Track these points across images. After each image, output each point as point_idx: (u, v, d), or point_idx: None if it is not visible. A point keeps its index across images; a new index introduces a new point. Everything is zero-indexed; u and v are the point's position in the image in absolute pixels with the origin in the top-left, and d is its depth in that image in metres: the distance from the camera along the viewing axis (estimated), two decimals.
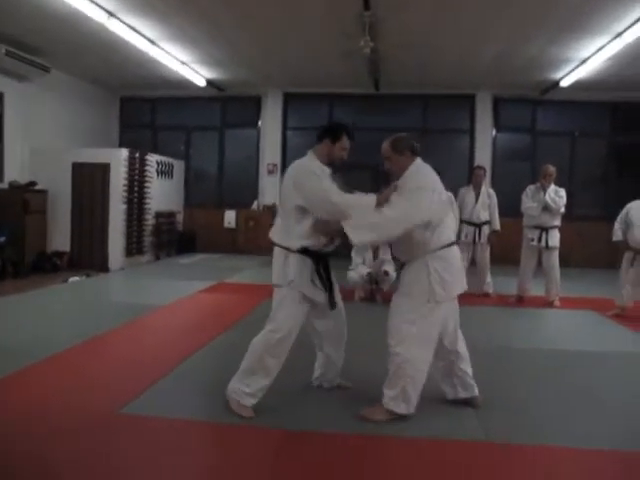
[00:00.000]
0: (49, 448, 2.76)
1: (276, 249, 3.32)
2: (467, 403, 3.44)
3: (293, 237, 3.22)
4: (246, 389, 3.22)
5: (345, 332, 3.56)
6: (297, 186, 3.17)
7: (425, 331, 3.18)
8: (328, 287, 3.31)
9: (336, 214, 3.10)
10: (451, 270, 3.22)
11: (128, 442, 2.90)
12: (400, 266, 3.39)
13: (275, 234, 3.37)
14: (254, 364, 3.24)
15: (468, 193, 7.40)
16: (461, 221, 7.26)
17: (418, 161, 3.32)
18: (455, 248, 3.31)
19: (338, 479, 2.58)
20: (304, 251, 3.21)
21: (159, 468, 2.63)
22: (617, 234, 6.27)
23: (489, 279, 7.39)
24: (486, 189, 7.45)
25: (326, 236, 3.22)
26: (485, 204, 7.33)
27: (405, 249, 3.28)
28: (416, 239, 3.15)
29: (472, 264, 7.46)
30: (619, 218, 6.28)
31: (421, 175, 3.26)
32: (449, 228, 3.31)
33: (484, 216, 7.31)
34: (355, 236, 3.06)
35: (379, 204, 3.16)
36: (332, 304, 3.35)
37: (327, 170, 3.28)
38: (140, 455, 2.75)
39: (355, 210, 3.11)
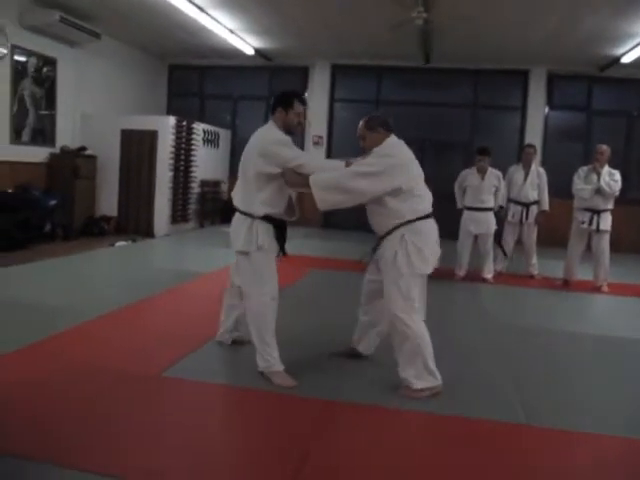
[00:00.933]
0: (95, 405, 2.85)
1: (239, 215, 3.42)
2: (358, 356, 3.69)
3: (256, 204, 3.31)
4: (271, 359, 3.32)
5: None
6: (267, 155, 3.26)
7: (419, 302, 3.25)
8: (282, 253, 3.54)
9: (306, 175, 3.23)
10: (427, 243, 3.24)
11: (171, 403, 2.96)
12: (377, 242, 3.39)
13: (238, 201, 3.45)
14: (267, 333, 3.34)
15: (517, 171, 7.20)
16: (509, 200, 7.10)
17: (393, 137, 3.38)
18: (432, 221, 3.31)
19: (378, 453, 2.58)
20: (266, 218, 3.34)
21: (201, 429, 2.68)
22: None
23: (534, 260, 7.22)
24: (536, 168, 7.23)
25: (297, 189, 3.41)
26: (534, 183, 7.12)
27: (380, 220, 3.30)
28: (389, 208, 3.20)
29: (518, 244, 7.31)
30: None
31: (395, 148, 3.32)
32: (426, 199, 3.32)
33: (533, 196, 7.10)
34: (320, 195, 3.15)
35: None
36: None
37: (289, 138, 3.39)
38: (182, 416, 2.81)
39: (326, 169, 3.31)
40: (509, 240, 7.23)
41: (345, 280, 5.85)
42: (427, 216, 3.28)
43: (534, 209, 7.13)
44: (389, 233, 3.24)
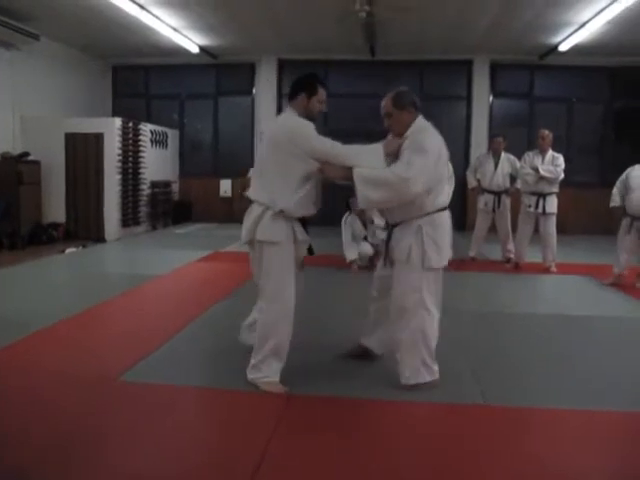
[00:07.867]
0: (51, 414, 2.78)
1: None
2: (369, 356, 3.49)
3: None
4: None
5: None
6: (302, 147, 3.04)
7: (429, 297, 3.11)
8: None
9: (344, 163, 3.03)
10: (443, 235, 3.13)
11: (128, 408, 2.91)
12: (389, 228, 3.27)
13: None
14: None
15: (487, 160, 7.36)
16: (482, 190, 7.31)
17: (421, 118, 3.17)
18: (447, 213, 3.18)
19: (332, 440, 2.60)
20: None
21: (162, 431, 2.65)
22: (615, 199, 6.05)
23: (511, 246, 7.25)
24: (506, 156, 7.29)
25: (336, 180, 3.12)
26: (505, 172, 7.24)
27: (399, 211, 3.13)
28: (414, 201, 3.02)
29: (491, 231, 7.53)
30: (618, 183, 6.07)
31: (428, 135, 3.09)
32: (445, 192, 3.20)
33: (504, 184, 7.26)
34: (365, 191, 2.95)
35: (387, 155, 3.05)
36: None
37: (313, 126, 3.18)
38: (140, 420, 2.76)
39: (365, 158, 3.04)
40: (482, 229, 7.40)
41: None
42: (445, 208, 3.16)
43: (505, 197, 7.28)
44: (404, 223, 3.12)
